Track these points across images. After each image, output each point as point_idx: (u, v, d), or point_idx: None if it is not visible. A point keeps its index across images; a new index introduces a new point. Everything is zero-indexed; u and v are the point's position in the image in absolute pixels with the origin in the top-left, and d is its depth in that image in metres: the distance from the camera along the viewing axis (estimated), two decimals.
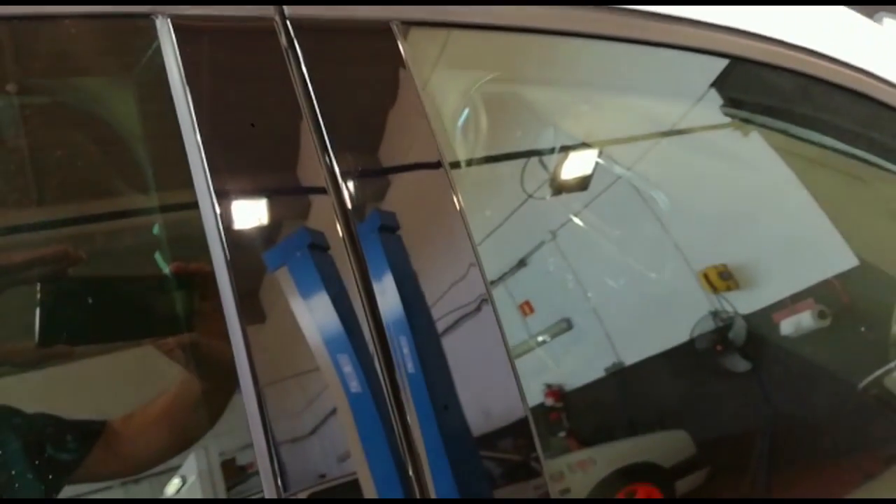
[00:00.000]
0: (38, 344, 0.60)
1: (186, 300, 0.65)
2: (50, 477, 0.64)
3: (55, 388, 0.66)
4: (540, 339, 1.28)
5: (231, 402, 0.68)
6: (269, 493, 0.56)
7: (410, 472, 0.59)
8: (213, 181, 0.62)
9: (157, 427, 0.68)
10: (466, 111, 1.44)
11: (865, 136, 1.14)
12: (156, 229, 0.78)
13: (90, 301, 0.62)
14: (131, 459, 0.69)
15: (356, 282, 0.63)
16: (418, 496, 0.59)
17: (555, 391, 1.15)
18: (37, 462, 0.63)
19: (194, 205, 0.62)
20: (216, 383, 0.66)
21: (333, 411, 0.59)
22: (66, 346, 0.61)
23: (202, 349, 0.65)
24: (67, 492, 0.71)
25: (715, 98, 1.38)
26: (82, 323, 0.62)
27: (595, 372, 1.30)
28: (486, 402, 0.64)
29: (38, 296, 0.60)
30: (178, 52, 0.65)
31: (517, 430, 0.65)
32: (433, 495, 0.59)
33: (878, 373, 1.13)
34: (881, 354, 1.19)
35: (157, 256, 0.76)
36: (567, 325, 1.34)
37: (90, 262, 0.71)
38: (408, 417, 0.60)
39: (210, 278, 0.64)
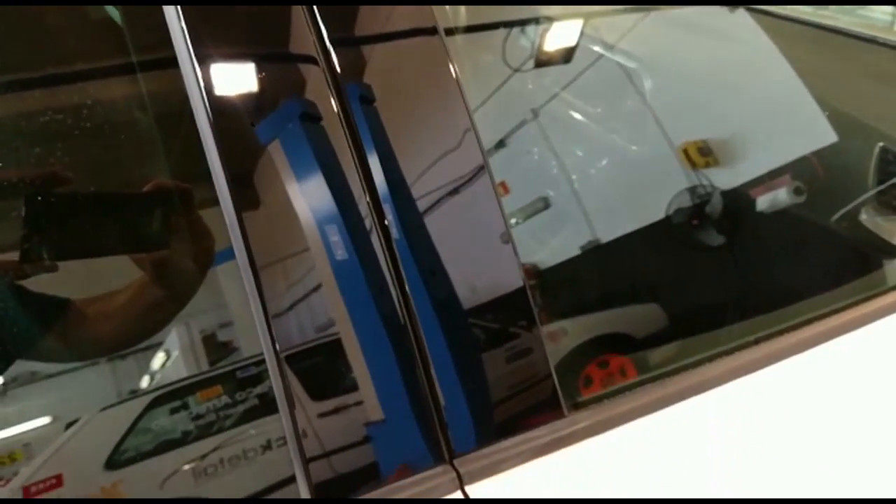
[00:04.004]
0: (20, 259, 0.62)
1: (164, 217, 0.66)
2: (15, 343, 0.68)
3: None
4: (514, 219, 1.29)
5: (205, 281, 0.71)
6: (268, 353, 0.58)
7: (410, 333, 0.61)
8: (194, 49, 0.61)
9: (118, 315, 0.72)
10: None
11: None
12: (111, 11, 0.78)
13: (73, 217, 0.64)
14: (93, 339, 0.74)
15: (350, 149, 0.63)
16: (414, 347, 0.61)
17: (527, 269, 1.17)
18: (3, 328, 0.66)
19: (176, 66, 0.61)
20: (174, 292, 0.70)
21: (319, 286, 0.60)
22: (49, 262, 0.63)
23: (171, 262, 0.68)
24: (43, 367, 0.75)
25: None
26: (65, 239, 0.64)
27: (571, 249, 1.32)
28: (475, 270, 0.66)
29: (23, 212, 0.61)
30: None
31: (509, 297, 0.67)
32: (427, 350, 0.61)
33: (850, 206, 1.16)
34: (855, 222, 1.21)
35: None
36: (544, 203, 1.35)
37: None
38: (406, 285, 0.62)
39: (188, 195, 0.67)
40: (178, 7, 0.62)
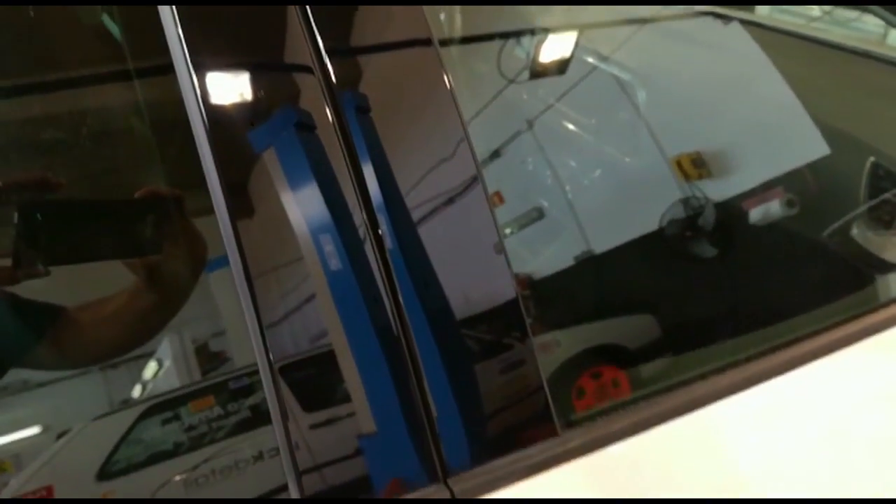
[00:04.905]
0: (12, 264, 0.61)
1: (156, 222, 0.67)
2: (6, 351, 0.67)
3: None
4: (508, 230, 1.29)
5: (196, 290, 0.71)
6: (262, 364, 0.58)
7: (403, 345, 0.61)
8: (190, 57, 0.61)
9: (110, 322, 0.72)
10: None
11: None
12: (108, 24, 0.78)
13: (65, 223, 0.64)
14: (85, 346, 0.73)
15: (344, 159, 0.63)
16: (408, 359, 0.61)
17: (521, 279, 1.17)
18: None
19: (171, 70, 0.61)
20: (167, 297, 0.70)
21: (312, 296, 0.60)
22: (41, 268, 0.63)
23: (163, 267, 0.68)
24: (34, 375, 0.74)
25: None
26: (56, 244, 0.63)
27: (564, 260, 1.32)
28: (468, 280, 0.66)
29: (15, 218, 0.61)
30: None
31: (502, 308, 0.67)
32: (420, 361, 0.61)
33: (841, 221, 1.17)
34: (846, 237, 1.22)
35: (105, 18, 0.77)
36: (538, 214, 1.35)
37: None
38: (399, 295, 0.62)
39: (180, 200, 0.67)
40: (174, 9, 0.62)
